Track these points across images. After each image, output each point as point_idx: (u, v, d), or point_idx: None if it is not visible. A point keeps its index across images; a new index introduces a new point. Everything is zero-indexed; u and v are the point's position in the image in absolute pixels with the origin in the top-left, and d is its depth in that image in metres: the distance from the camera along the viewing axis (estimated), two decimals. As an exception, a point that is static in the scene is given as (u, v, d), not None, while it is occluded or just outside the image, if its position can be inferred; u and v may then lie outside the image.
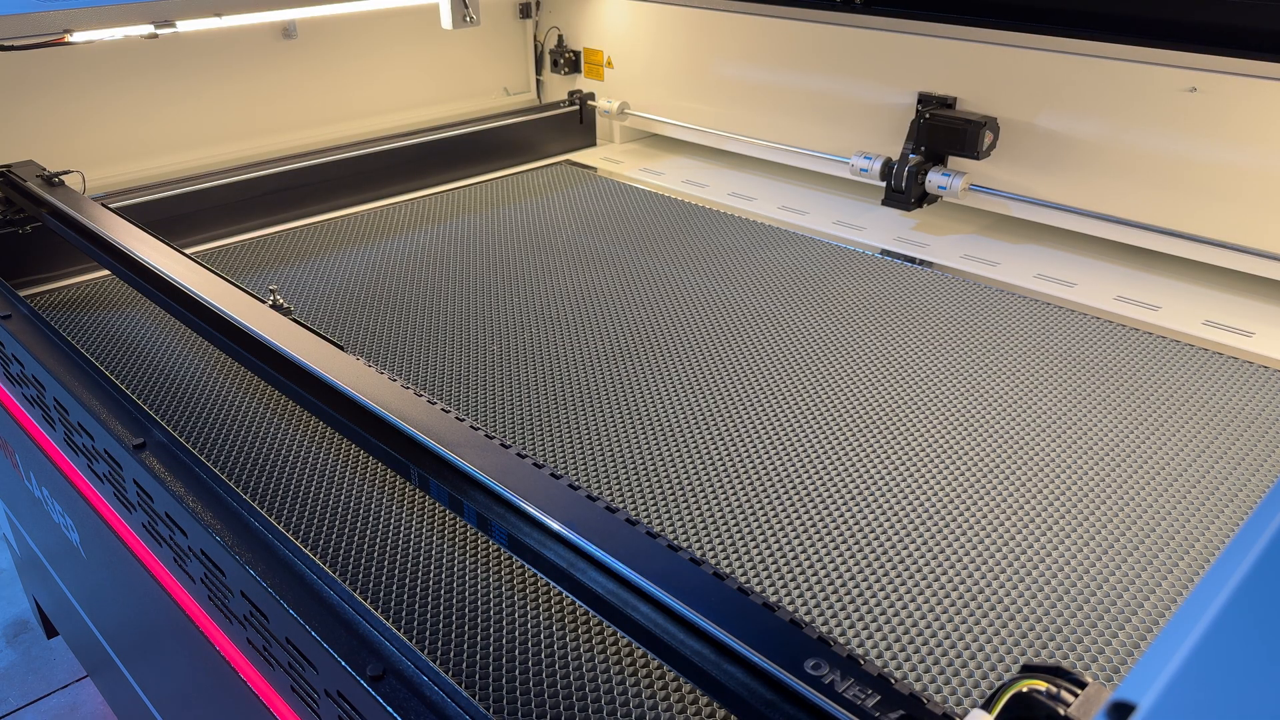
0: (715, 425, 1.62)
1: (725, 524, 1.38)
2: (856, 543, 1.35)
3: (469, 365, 1.80)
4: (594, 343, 1.88)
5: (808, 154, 2.69)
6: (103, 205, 1.93)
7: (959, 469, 1.51)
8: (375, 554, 1.31)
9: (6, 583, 3.21)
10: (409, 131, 2.79)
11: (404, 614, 1.22)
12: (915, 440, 1.58)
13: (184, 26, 2.29)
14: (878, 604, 1.24)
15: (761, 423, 1.62)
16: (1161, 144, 2.07)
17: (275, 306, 1.52)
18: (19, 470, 2.03)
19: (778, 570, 1.30)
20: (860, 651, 1.16)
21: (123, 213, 1.90)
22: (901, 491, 1.45)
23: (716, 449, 1.55)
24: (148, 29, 2.25)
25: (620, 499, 1.44)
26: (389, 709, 0.91)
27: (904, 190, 2.36)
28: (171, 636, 1.49)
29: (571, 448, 1.56)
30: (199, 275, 1.60)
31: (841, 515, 1.40)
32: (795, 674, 0.83)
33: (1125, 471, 1.50)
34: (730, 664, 0.87)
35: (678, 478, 1.48)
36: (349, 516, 1.39)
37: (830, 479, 1.48)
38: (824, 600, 1.25)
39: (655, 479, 1.48)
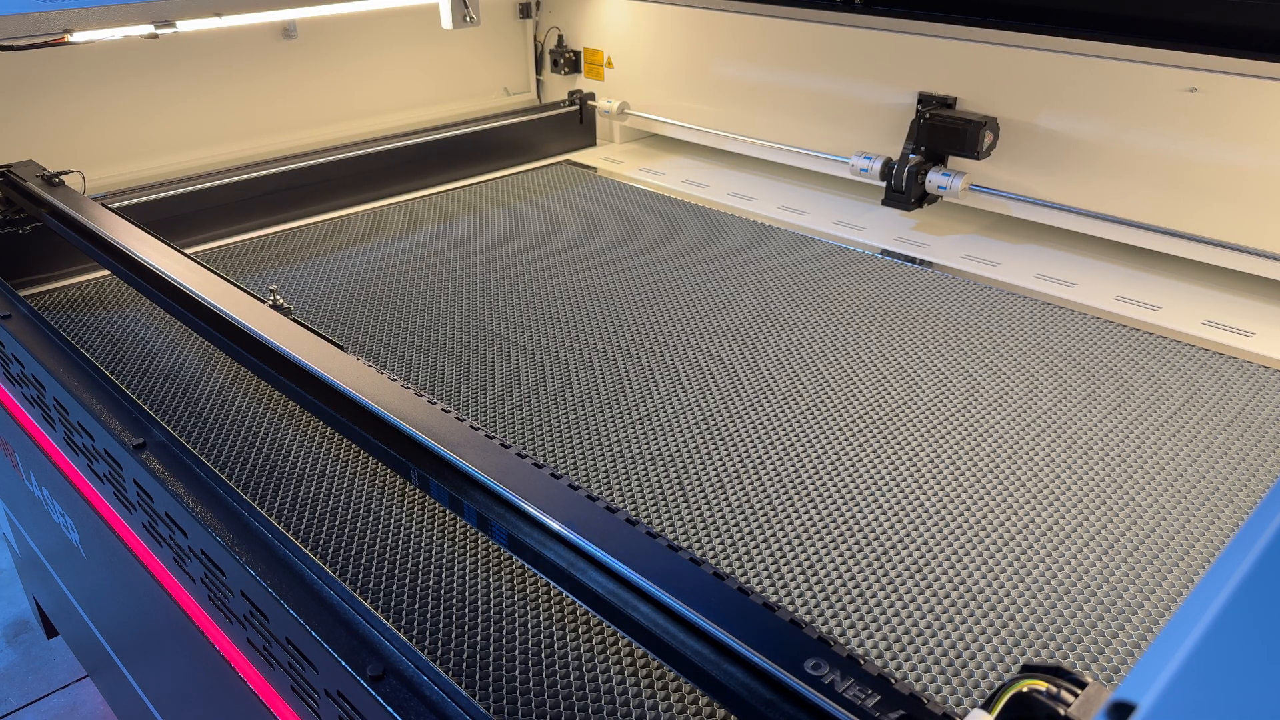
0: (715, 425, 1.62)
1: (725, 524, 1.38)
2: (856, 543, 1.35)
3: (469, 365, 1.80)
4: (594, 343, 1.88)
5: (808, 154, 2.69)
6: (103, 205, 1.93)
7: (959, 469, 1.51)
8: (375, 554, 1.31)
9: (6, 583, 3.21)
10: (409, 131, 2.79)
11: (404, 614, 1.22)
12: (915, 440, 1.58)
13: (184, 26, 2.29)
14: (878, 604, 1.24)
15: (761, 423, 1.62)
16: (1161, 144, 2.07)
17: (275, 306, 1.52)
18: (19, 470, 2.03)
19: (778, 570, 1.30)
20: (860, 651, 1.16)
21: (123, 213, 1.90)
22: (901, 491, 1.45)
23: (716, 449, 1.55)
24: (148, 29, 2.25)
25: (620, 499, 1.44)
26: (389, 709, 0.91)
27: (904, 190, 2.36)
28: (171, 636, 1.49)
29: (571, 448, 1.56)
30: (199, 275, 1.60)
31: (841, 515, 1.40)
32: (795, 674, 0.83)
33: (1125, 471, 1.50)
34: (730, 664, 0.87)
35: (678, 478, 1.48)
36: (349, 516, 1.39)
37: (830, 479, 1.48)
38: (824, 600, 1.25)
39: (655, 479, 1.48)
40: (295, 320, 1.47)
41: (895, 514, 1.40)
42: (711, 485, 1.47)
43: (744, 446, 1.56)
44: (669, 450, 1.55)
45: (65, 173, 2.06)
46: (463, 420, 1.21)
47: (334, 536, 1.35)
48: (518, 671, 1.13)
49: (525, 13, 3.20)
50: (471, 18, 2.71)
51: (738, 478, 1.48)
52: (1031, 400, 1.69)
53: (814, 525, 1.38)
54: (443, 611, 1.22)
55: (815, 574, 1.29)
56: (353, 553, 1.32)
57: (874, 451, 1.55)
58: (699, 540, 1.35)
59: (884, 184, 2.42)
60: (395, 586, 1.26)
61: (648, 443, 1.57)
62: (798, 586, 1.27)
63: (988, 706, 0.76)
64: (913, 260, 2.27)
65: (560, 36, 3.20)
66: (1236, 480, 1.48)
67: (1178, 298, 2.07)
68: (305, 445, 1.55)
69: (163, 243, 1.74)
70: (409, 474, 1.18)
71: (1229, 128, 1.97)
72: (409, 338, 1.90)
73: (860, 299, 2.06)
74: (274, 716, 1.18)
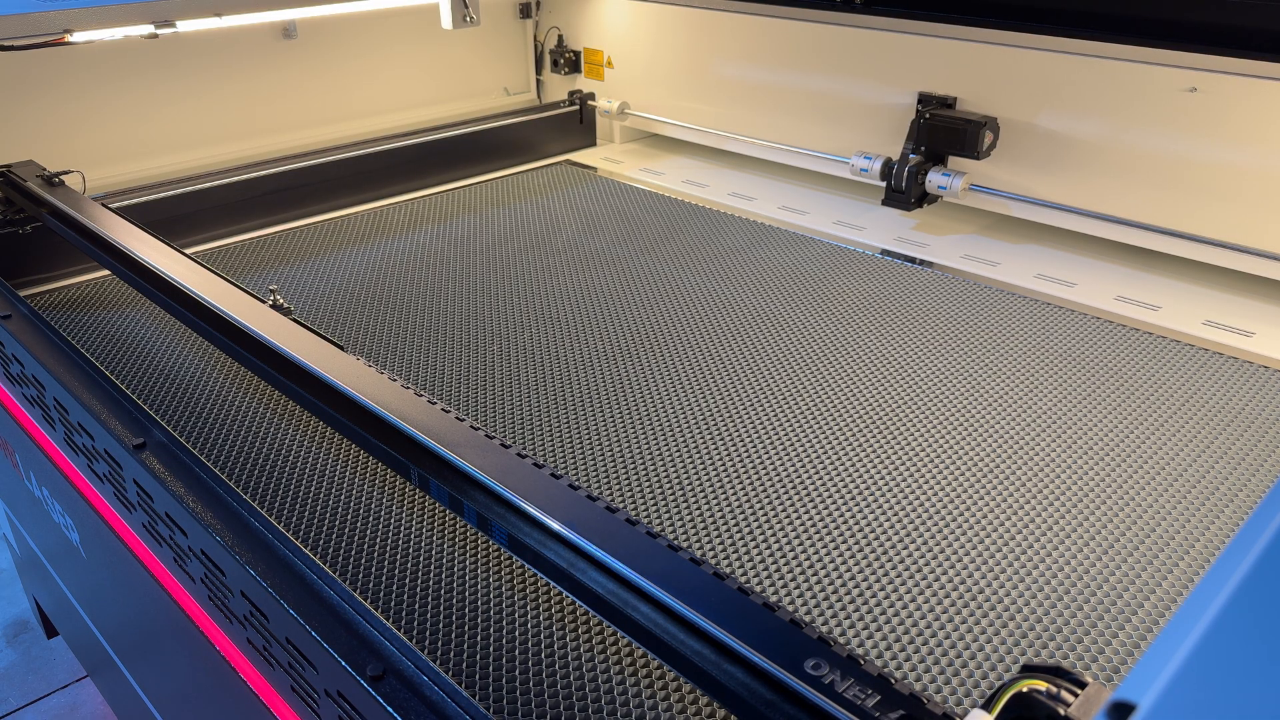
0: (715, 425, 1.62)
1: (725, 524, 1.38)
2: (856, 543, 1.35)
3: (469, 365, 1.80)
4: (594, 343, 1.88)
5: (808, 154, 2.69)
6: (103, 205, 1.93)
7: (959, 469, 1.51)
8: (375, 554, 1.31)
9: (6, 583, 3.21)
10: (409, 131, 2.79)
11: (404, 614, 1.22)
12: (915, 440, 1.58)
13: (184, 26, 2.30)
14: (878, 604, 1.24)
15: (761, 423, 1.62)
16: (1161, 144, 2.07)
17: (275, 306, 1.52)
18: (19, 470, 2.03)
19: (778, 570, 1.30)
20: (860, 651, 1.16)
21: (123, 213, 1.90)
22: (901, 491, 1.45)
23: (716, 449, 1.55)
24: (148, 29, 2.25)
25: (620, 499, 1.44)
26: (389, 709, 0.91)
27: (904, 190, 2.36)
28: (171, 636, 1.49)
29: (571, 448, 1.56)
30: (199, 275, 1.60)
31: (841, 515, 1.40)
32: (795, 674, 0.83)
33: (1125, 471, 1.50)
34: (730, 664, 0.87)
35: (678, 478, 1.48)
36: (349, 516, 1.39)
37: (830, 479, 1.48)
38: (824, 600, 1.25)
39: (655, 479, 1.48)
40: (295, 320, 1.47)
41: (895, 514, 1.40)
42: (711, 485, 1.47)
43: (744, 446, 1.56)
44: (669, 450, 1.55)
45: (65, 173, 2.06)
46: (463, 420, 1.21)
47: (334, 536, 1.35)
48: (518, 671, 1.13)
49: (525, 13, 3.20)
50: (471, 18, 2.71)
51: (738, 478, 1.48)
52: (1031, 400, 1.69)
53: (814, 525, 1.38)
54: (443, 611, 1.22)
55: (815, 574, 1.29)
56: (353, 553, 1.32)
57: (874, 451, 1.55)
58: (699, 540, 1.35)
59: (884, 184, 2.42)
60: (395, 586, 1.26)
61: (648, 443, 1.57)
62: (798, 586, 1.27)
63: (988, 706, 0.76)
64: (913, 260, 2.27)
65: (560, 36, 3.20)
66: (1236, 480, 1.48)
67: (1178, 298, 2.07)
68: (305, 445, 1.55)
69: (163, 243, 1.74)
70: (409, 474, 1.18)
71: (1229, 128, 1.97)
72: (409, 338, 1.90)
73: (860, 299, 2.06)
74: (274, 716, 1.18)
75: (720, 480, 1.48)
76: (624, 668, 1.14)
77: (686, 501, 1.43)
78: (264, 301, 1.53)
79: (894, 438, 1.58)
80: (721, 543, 1.34)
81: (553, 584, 1.06)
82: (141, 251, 1.68)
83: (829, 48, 2.55)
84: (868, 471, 1.50)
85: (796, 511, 1.41)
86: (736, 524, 1.38)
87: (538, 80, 3.31)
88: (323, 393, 1.30)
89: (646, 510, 1.41)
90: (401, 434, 1.19)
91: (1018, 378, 1.76)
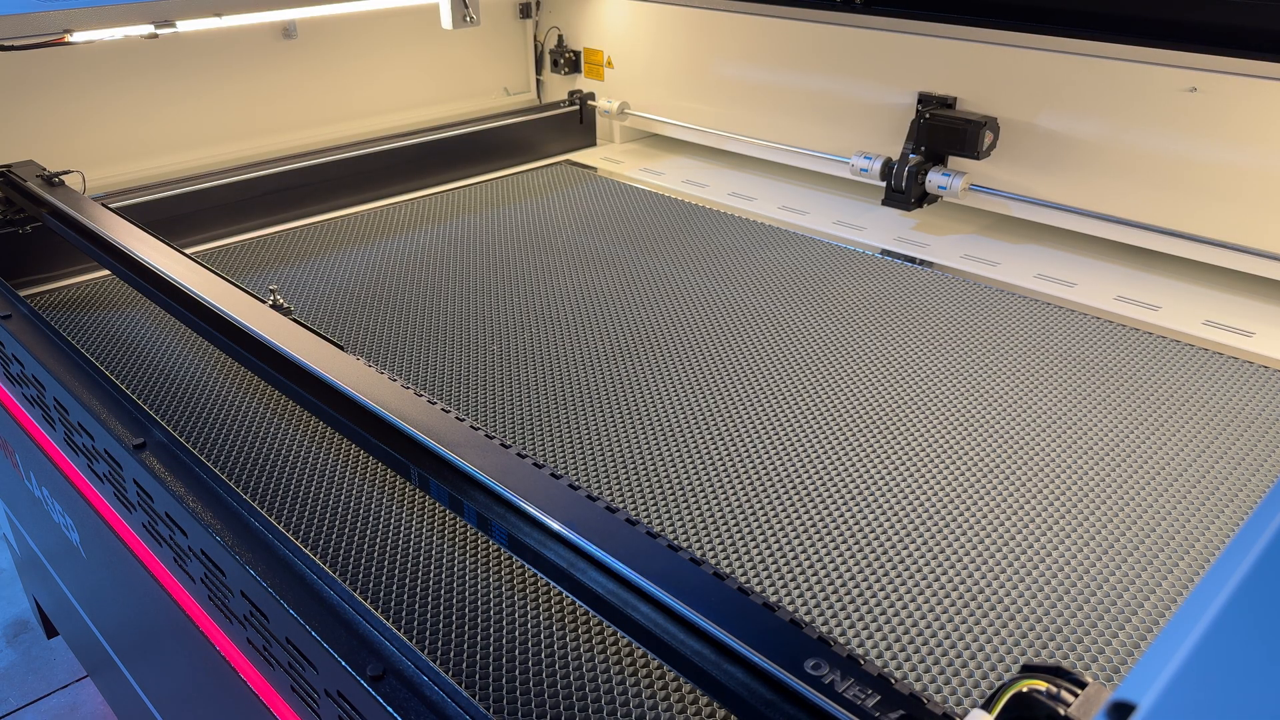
0: (715, 425, 1.62)
1: (725, 524, 1.38)
2: (856, 543, 1.35)
3: (469, 365, 1.80)
4: (594, 343, 1.88)
5: (808, 154, 2.69)
6: (103, 205, 1.93)
7: (959, 469, 1.51)
8: (375, 554, 1.31)
9: (6, 583, 3.21)
10: (409, 131, 2.79)
11: (404, 614, 1.22)
12: (915, 440, 1.58)
13: (184, 26, 2.29)
14: (878, 604, 1.24)
15: (761, 423, 1.62)
16: (1161, 144, 2.07)
17: (275, 306, 1.52)
18: (19, 470, 2.03)
19: (778, 570, 1.30)
20: (860, 651, 1.16)
21: (123, 213, 1.90)
22: (901, 491, 1.45)
23: (716, 449, 1.55)
24: (148, 29, 2.25)
25: (620, 499, 1.44)
26: (389, 709, 0.91)
27: (904, 190, 2.36)
28: (171, 636, 1.49)
29: (571, 448, 1.56)
30: (199, 275, 1.60)
31: (841, 515, 1.40)
32: (795, 674, 0.83)
33: (1125, 471, 1.50)
34: (730, 664, 0.87)
35: (678, 478, 1.48)
36: (349, 516, 1.39)
37: (830, 479, 1.48)
38: (824, 600, 1.25)
39: (655, 479, 1.48)
40: (295, 320, 1.47)
41: (895, 514, 1.40)
42: (711, 485, 1.47)
43: (744, 446, 1.56)
44: (669, 450, 1.55)
45: (65, 173, 2.06)
46: (463, 420, 1.21)
47: (334, 536, 1.35)
48: (518, 671, 1.13)
49: (525, 13, 3.20)
50: (471, 18, 2.71)
51: (738, 478, 1.48)
52: (1031, 400, 1.69)
53: (814, 525, 1.38)
54: (443, 611, 1.22)
55: (815, 574, 1.29)
56: (353, 553, 1.32)
57: (874, 451, 1.55)
58: (699, 540, 1.35)
59: (884, 184, 2.42)
60: (395, 586, 1.26)
61: (648, 443, 1.57)
62: (798, 586, 1.27)
63: (988, 706, 0.76)
64: (913, 260, 2.27)
65: (560, 36, 3.20)
66: (1236, 480, 1.48)
67: (1178, 298, 2.07)
68: (305, 445, 1.55)
69: (163, 243, 1.74)
70: (409, 474, 1.18)
71: (1229, 128, 1.97)
72: (409, 338, 1.90)
73: (860, 299, 2.06)
74: (274, 716, 1.18)
75: (720, 480, 1.48)
76: (624, 668, 1.14)
77: (686, 501, 1.43)
78: (264, 301, 1.53)
79: (894, 438, 1.58)
80: (721, 543, 1.34)
81: (553, 584, 1.06)
82: (141, 251, 1.68)
83: (829, 48, 2.55)
84: (868, 471, 1.50)
85: (796, 511, 1.41)
86: (736, 524, 1.38)
87: (538, 80, 3.31)
88: (323, 393, 1.30)
89: (646, 510, 1.41)
90: (401, 434, 1.19)
91: (1018, 378, 1.76)
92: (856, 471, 1.50)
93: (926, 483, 1.47)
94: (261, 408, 1.65)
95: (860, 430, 1.60)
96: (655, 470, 1.50)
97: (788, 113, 2.70)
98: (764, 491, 1.45)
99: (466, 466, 1.12)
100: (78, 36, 2.15)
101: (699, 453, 1.54)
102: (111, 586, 1.77)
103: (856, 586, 1.27)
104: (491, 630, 1.19)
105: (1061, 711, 0.74)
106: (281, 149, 2.69)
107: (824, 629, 1.18)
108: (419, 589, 1.25)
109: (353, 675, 0.95)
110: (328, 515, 1.39)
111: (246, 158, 2.62)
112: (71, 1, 2.12)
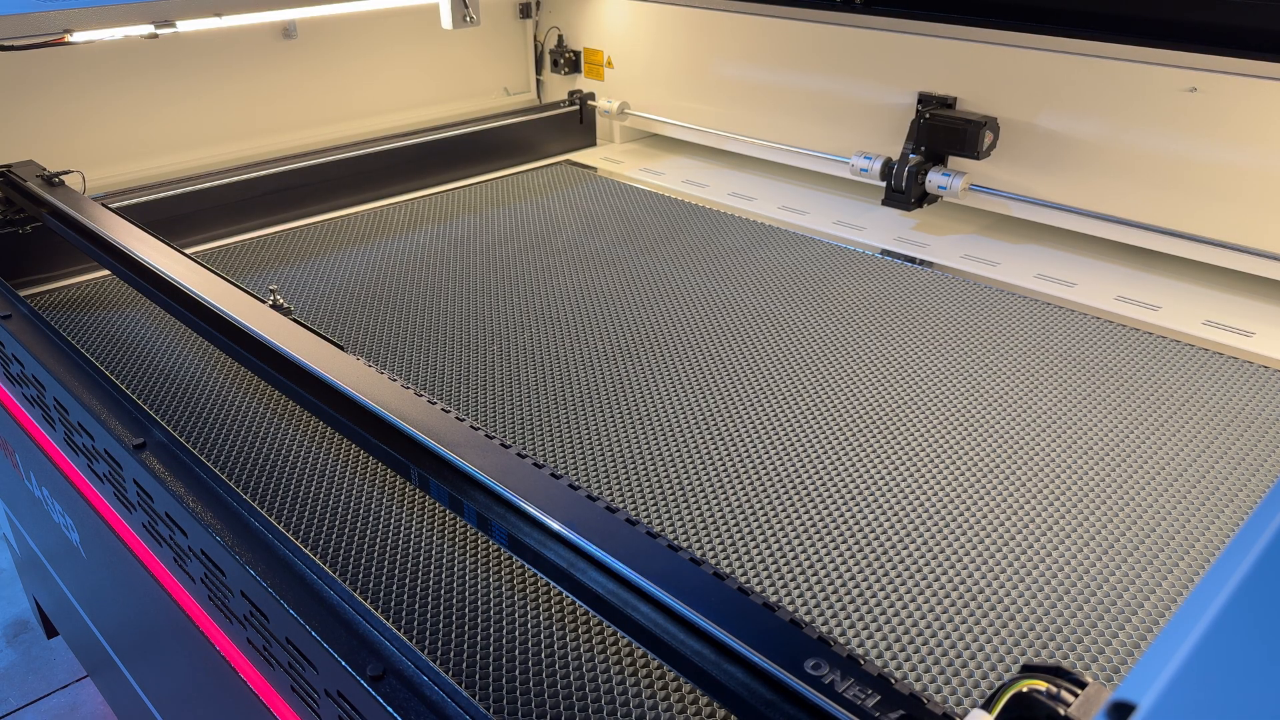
0: (715, 425, 1.62)
1: (725, 524, 1.38)
2: (856, 543, 1.35)
3: (469, 365, 1.80)
4: (594, 343, 1.88)
5: (808, 154, 2.69)
6: (103, 205, 1.93)
7: (959, 469, 1.51)
8: (375, 554, 1.31)
9: (6, 583, 3.21)
10: (409, 131, 2.79)
11: (404, 614, 1.22)
12: (915, 440, 1.58)
13: (184, 26, 2.29)
14: (878, 604, 1.24)
15: (761, 423, 1.62)
16: (1161, 144, 2.07)
17: (275, 306, 1.52)
18: (19, 470, 2.03)
19: (778, 570, 1.30)
20: (860, 651, 1.16)
21: (123, 213, 1.90)
22: (901, 491, 1.45)
23: (716, 449, 1.55)
24: (148, 29, 2.25)
25: (620, 499, 1.44)
26: (389, 709, 0.91)
27: (904, 190, 2.36)
28: (171, 636, 1.49)
29: (571, 448, 1.56)
30: (199, 275, 1.60)
31: (841, 515, 1.40)
32: (795, 674, 0.83)
33: (1125, 471, 1.50)
34: (730, 664, 0.87)
35: (678, 478, 1.48)
36: (349, 516, 1.39)
37: (830, 479, 1.48)
38: (824, 600, 1.25)
39: (655, 479, 1.48)
40: (295, 320, 1.47)
41: (895, 514, 1.40)
42: (711, 485, 1.47)
43: (744, 446, 1.56)
44: (669, 450, 1.55)
45: (65, 173, 2.06)
46: (463, 420, 1.21)
47: (334, 536, 1.35)
48: (518, 671, 1.13)
49: (525, 13, 3.20)
50: (471, 18, 2.71)
51: (738, 478, 1.48)
52: (1031, 400, 1.69)
53: (814, 525, 1.38)
54: (443, 611, 1.22)
55: (815, 574, 1.29)
56: (353, 553, 1.32)
57: (874, 451, 1.55)
58: (699, 540, 1.35)
59: (884, 184, 2.42)
60: (395, 586, 1.26)
61: (648, 443, 1.57)
62: (798, 586, 1.27)
63: (988, 706, 0.76)
64: (913, 260, 2.27)
65: (560, 36, 3.20)
66: (1236, 480, 1.48)
67: (1178, 298, 2.07)
68: (305, 445, 1.55)
69: (163, 243, 1.74)
70: (409, 474, 1.18)
71: (1229, 128, 1.97)
72: (409, 338, 1.90)
73: (860, 299, 2.06)
74: (274, 716, 1.18)
75: (720, 480, 1.48)
76: (624, 668, 1.14)
77: (686, 501, 1.43)
78: (264, 301, 1.53)
79: (894, 438, 1.58)
80: (721, 543, 1.34)
81: (553, 584, 1.06)
82: (141, 251, 1.68)
83: (829, 48, 2.55)
84: (868, 471, 1.50)
85: (796, 511, 1.41)
86: (736, 524, 1.38)
87: (538, 80, 3.31)
88: (323, 393, 1.30)
89: (646, 510, 1.41)
90: (401, 434, 1.19)
91: (1018, 378, 1.76)
92: (856, 471, 1.50)
93: (926, 483, 1.47)
94: (261, 408, 1.65)
95: (860, 430, 1.60)
96: (655, 470, 1.50)
97: (788, 113, 2.70)
98: (764, 491, 1.45)
99: (466, 466, 1.12)
100: (78, 36, 2.15)
101: (699, 453, 1.54)
102: (111, 586, 1.77)
103: (856, 586, 1.27)
104: (491, 630, 1.19)
105: (1061, 711, 0.74)
106: (281, 149, 2.69)
107: (824, 629, 1.18)
108: (419, 589, 1.25)
109: (353, 675, 0.95)
110: (328, 515, 1.39)
111: (246, 158, 2.62)
112: (71, 1, 2.12)
